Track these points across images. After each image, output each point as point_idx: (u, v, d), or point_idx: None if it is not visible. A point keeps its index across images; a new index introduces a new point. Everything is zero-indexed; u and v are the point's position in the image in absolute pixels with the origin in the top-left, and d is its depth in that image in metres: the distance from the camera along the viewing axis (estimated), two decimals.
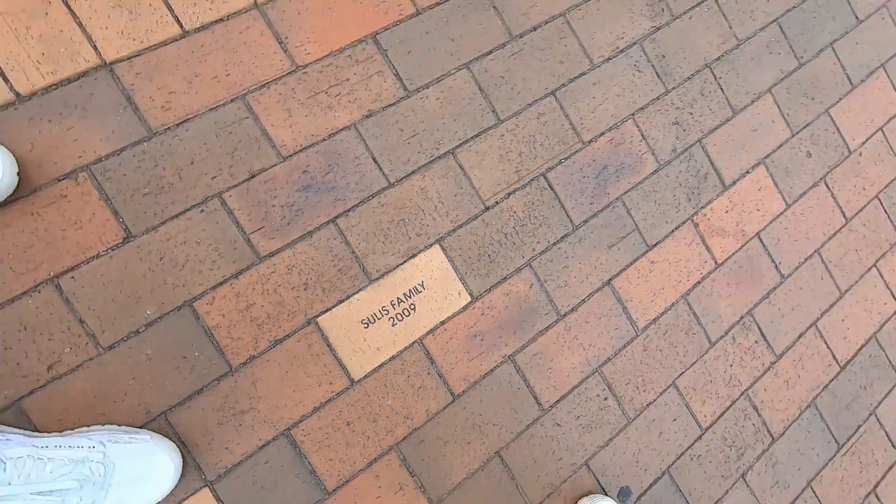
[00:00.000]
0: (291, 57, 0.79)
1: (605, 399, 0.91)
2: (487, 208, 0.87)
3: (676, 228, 0.98)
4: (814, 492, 1.02)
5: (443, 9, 0.87)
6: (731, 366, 0.99)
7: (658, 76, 0.99)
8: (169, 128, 0.73)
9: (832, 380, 1.06)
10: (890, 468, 1.08)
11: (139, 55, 0.72)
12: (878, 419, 1.09)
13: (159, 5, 0.74)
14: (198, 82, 0.75)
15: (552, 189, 0.91)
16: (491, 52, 0.89)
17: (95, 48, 0.71)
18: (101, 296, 0.69)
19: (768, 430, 1.00)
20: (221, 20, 0.76)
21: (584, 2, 0.95)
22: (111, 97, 0.71)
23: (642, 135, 0.97)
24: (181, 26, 0.74)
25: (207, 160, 0.74)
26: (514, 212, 0.88)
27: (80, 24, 0.70)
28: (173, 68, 0.74)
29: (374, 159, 0.82)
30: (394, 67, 0.84)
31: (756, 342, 1.02)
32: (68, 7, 0.70)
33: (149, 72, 0.73)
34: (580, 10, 0.95)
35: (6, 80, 0.67)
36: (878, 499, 1.06)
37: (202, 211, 0.74)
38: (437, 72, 0.86)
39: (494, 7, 0.90)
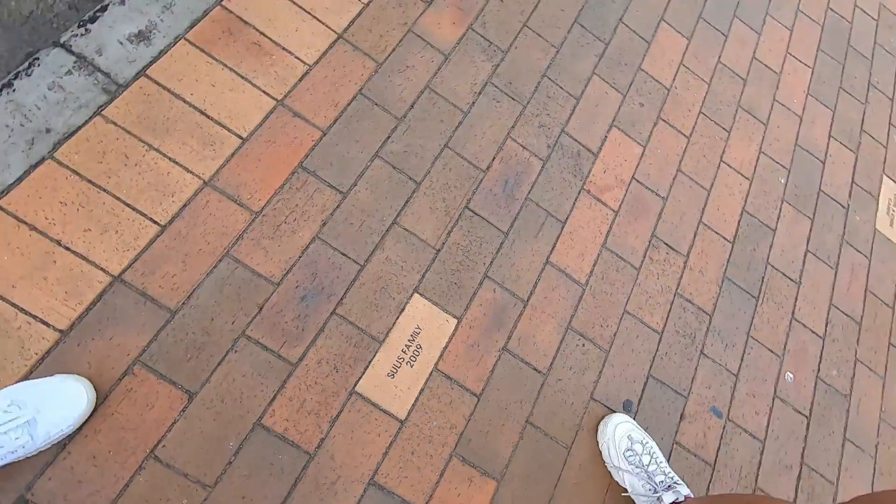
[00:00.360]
0: (248, 208, 0.99)
1: (583, 346, 1.16)
2: (438, 250, 1.10)
3: (576, 200, 1.26)
4: (754, 339, 1.33)
5: (340, 122, 1.10)
6: (658, 278, 1.29)
7: (513, 99, 1.28)
8: (183, 302, 0.91)
9: (730, 254, 1.39)
10: (795, 299, 1.42)
11: (137, 259, 0.90)
12: (773, 266, 1.42)
13: (135, 216, 0.92)
14: (189, 259, 0.93)
15: (477, 214, 1.16)
16: (389, 136, 1.13)
17: (103, 269, 0.88)
18: (191, 449, 0.86)
19: (704, 312, 1.30)
20: (185, 205, 0.95)
21: (437, 70, 1.22)
22: (130, 300, 0.88)
23: (521, 146, 1.25)
24: (157, 224, 0.93)
25: (222, 312, 0.93)
26: (458, 243, 1.12)
27: (82, 257, 0.87)
28: (167, 257, 0.92)
29: (342, 253, 1.03)
30: (325, 181, 1.06)
31: (667, 254, 1.32)
32: (68, 249, 0.87)
33: (150, 268, 0.90)
34: (437, 77, 1.21)
35: (47, 324, 0.83)
36: (798, 321, 1.40)
37: (235, 351, 0.92)
38: (358, 169, 1.09)
39: (376, 104, 1.14)
